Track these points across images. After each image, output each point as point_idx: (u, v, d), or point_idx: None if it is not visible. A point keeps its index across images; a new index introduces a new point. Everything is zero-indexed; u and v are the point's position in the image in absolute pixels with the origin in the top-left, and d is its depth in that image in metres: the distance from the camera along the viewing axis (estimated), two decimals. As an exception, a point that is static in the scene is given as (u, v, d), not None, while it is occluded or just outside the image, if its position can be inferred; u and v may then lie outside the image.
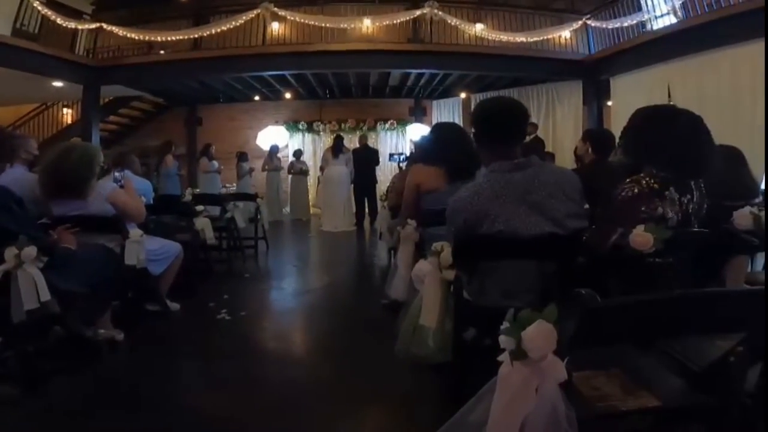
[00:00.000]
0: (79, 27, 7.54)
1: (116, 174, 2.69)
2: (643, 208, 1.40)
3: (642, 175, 1.46)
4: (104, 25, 7.63)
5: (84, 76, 7.72)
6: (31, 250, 1.86)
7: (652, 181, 1.43)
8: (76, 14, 7.61)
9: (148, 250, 2.56)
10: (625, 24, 6.91)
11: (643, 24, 6.76)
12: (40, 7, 6.82)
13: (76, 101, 9.06)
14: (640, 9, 6.72)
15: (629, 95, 6.94)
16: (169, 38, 7.76)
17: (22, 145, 2.75)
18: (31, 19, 6.92)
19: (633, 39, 6.84)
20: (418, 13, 7.60)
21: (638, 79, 6.86)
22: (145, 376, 2.26)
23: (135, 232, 2.50)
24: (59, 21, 7.09)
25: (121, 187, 2.62)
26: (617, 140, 1.93)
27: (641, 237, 1.28)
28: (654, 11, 6.54)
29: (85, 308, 2.27)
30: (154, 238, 2.78)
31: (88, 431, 1.76)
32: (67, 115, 10.53)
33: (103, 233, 2.48)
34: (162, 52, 8.23)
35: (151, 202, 3.57)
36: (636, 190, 1.44)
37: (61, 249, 2.10)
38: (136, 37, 7.71)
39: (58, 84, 7.93)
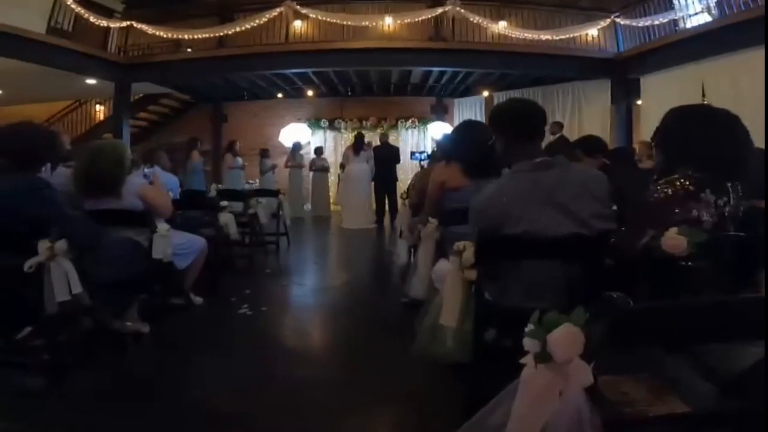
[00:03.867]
0: (111, 25, 7.76)
1: (145, 170, 2.76)
2: (676, 210, 1.36)
3: (676, 176, 1.42)
4: (134, 24, 7.83)
5: (116, 74, 7.94)
6: (63, 243, 1.88)
7: (687, 182, 1.38)
8: (107, 12, 7.82)
9: (174, 245, 2.60)
10: (656, 22, 6.72)
11: (675, 22, 6.57)
12: (73, 6, 7.03)
13: (108, 98, 9.34)
14: (672, 7, 6.53)
15: (661, 94, 6.76)
16: (195, 36, 7.91)
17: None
18: (65, 17, 7.13)
19: (665, 37, 6.66)
20: (439, 10, 7.56)
21: (670, 77, 6.68)
22: (165, 369, 2.30)
23: (162, 226, 2.54)
24: (92, 19, 7.30)
25: (150, 182, 2.68)
26: (650, 139, 1.86)
27: (674, 240, 1.24)
28: (687, 9, 6.34)
29: (113, 300, 2.33)
30: (180, 232, 2.82)
31: (104, 423, 1.77)
32: (100, 111, 10.86)
33: (132, 227, 2.53)
34: (189, 49, 8.39)
35: (178, 197, 3.65)
36: (670, 192, 1.39)
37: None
38: (165, 35, 7.89)
39: (91, 81, 8.17)
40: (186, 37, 7.96)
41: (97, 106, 10.82)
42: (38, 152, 2.07)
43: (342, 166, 8.20)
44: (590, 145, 3.10)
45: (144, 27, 7.79)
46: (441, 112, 10.54)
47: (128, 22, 7.86)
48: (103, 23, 7.58)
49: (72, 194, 2.46)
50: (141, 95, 9.77)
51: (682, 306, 0.88)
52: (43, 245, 1.86)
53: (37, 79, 7.62)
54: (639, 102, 7.71)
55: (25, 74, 7.13)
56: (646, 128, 7.06)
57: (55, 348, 2.02)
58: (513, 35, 7.69)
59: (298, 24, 8.04)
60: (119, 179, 2.46)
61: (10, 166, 1.96)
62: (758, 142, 1.61)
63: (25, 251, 1.86)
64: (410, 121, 10.58)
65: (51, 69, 6.92)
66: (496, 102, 9.31)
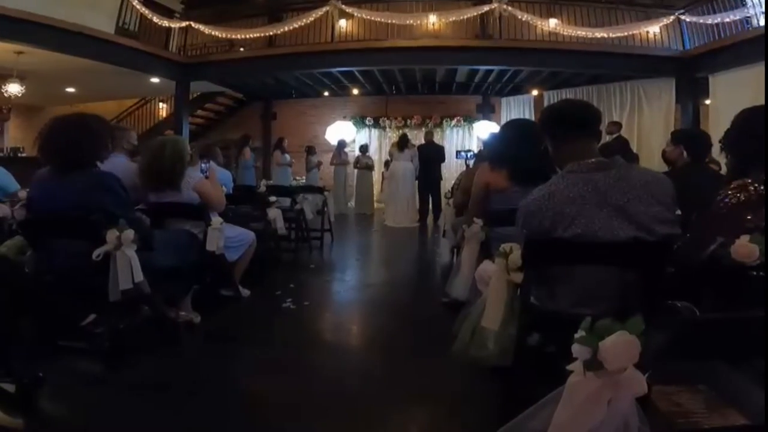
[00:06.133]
0: (172, 25, 8.15)
1: (202, 165, 2.89)
2: (749, 217, 1.27)
3: (749, 180, 1.32)
4: (193, 24, 8.19)
5: (176, 73, 8.33)
6: (129, 233, 1.97)
7: (761, 187, 1.29)
8: (168, 12, 8.17)
9: (226, 237, 2.70)
10: (727, 19, 6.30)
11: (747, 20, 6.13)
12: (138, 6, 7.40)
13: (170, 96, 9.85)
14: (744, 4, 6.11)
15: (732, 94, 6.33)
16: (247, 36, 8.15)
17: (125, 136, 3.02)
18: (132, 17, 7.50)
19: (737, 35, 6.25)
20: (485, 8, 7.41)
21: (743, 76, 6.23)
22: (212, 358, 2.39)
23: (216, 219, 2.65)
24: (155, 19, 7.67)
25: (207, 177, 2.82)
26: (718, 141, 1.73)
27: (745, 248, 1.16)
28: (761, 7, 5.91)
29: (170, 290, 2.43)
30: (231, 226, 2.92)
31: (155, 409, 1.84)
32: (162, 109, 11.50)
33: (189, 220, 2.66)
34: (242, 49, 8.68)
35: (231, 192, 3.80)
36: (742, 197, 1.30)
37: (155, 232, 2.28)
38: (220, 35, 8.20)
39: (154, 80, 8.65)
40: (239, 36, 8.24)
41: (160, 104, 11.47)
42: (99, 146, 2.14)
43: (386, 164, 8.24)
44: (694, 142, 2.77)
45: (201, 27, 8.12)
46: (488, 111, 10.35)
47: (187, 23, 8.23)
48: (165, 23, 7.95)
49: (137, 187, 2.62)
50: (198, 93, 10.24)
51: (752, 318, 0.82)
52: (112, 234, 1.95)
53: (107, 78, 8.12)
54: (707, 102, 7.25)
55: (96, 73, 7.63)
56: (714, 129, 6.63)
57: (115, 335, 2.10)
58: (565, 33, 7.42)
59: (343, 23, 8.15)
60: (180, 174, 2.60)
61: (71, 162, 2.03)
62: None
63: (93, 241, 1.96)
64: (455, 119, 10.47)
65: (120, 68, 7.35)
66: (546, 101, 9.03)
